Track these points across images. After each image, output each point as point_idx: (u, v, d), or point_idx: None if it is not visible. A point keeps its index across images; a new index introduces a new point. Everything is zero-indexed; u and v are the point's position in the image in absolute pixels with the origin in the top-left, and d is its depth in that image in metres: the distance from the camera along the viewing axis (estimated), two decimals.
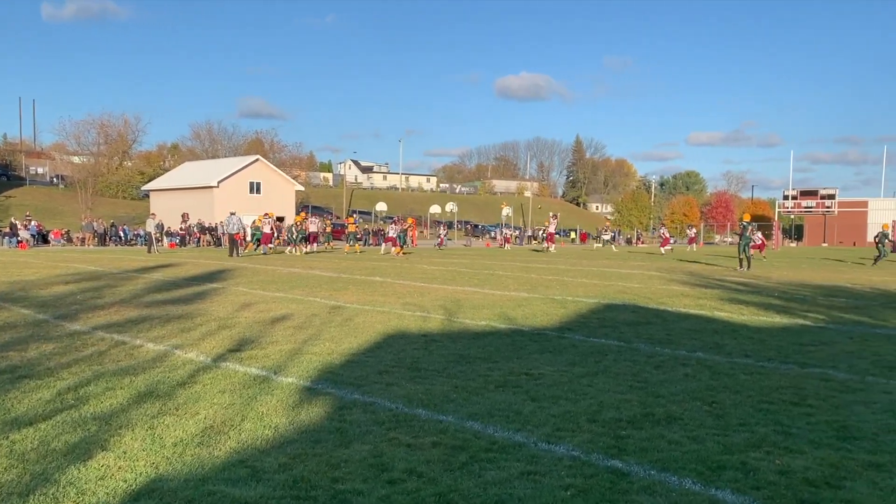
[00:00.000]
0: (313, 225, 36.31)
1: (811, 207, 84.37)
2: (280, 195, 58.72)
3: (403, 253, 33.93)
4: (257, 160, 59.01)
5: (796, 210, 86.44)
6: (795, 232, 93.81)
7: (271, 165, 61.35)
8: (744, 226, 25.34)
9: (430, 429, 5.15)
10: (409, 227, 37.37)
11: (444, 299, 13.35)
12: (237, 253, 29.55)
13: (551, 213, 46.15)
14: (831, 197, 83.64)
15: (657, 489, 4.06)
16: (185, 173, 62.81)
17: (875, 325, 10.86)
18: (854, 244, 78.06)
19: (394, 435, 4.99)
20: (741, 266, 24.16)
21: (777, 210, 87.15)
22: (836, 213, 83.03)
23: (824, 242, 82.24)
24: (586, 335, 9.51)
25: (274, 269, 20.98)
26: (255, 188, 57.29)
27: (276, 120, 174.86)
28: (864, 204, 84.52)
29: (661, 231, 44.70)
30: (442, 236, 51.10)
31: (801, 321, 11.13)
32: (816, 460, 4.59)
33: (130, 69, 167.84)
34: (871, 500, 3.96)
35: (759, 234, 36.98)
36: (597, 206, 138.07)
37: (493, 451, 4.69)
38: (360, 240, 38.77)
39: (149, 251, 32.65)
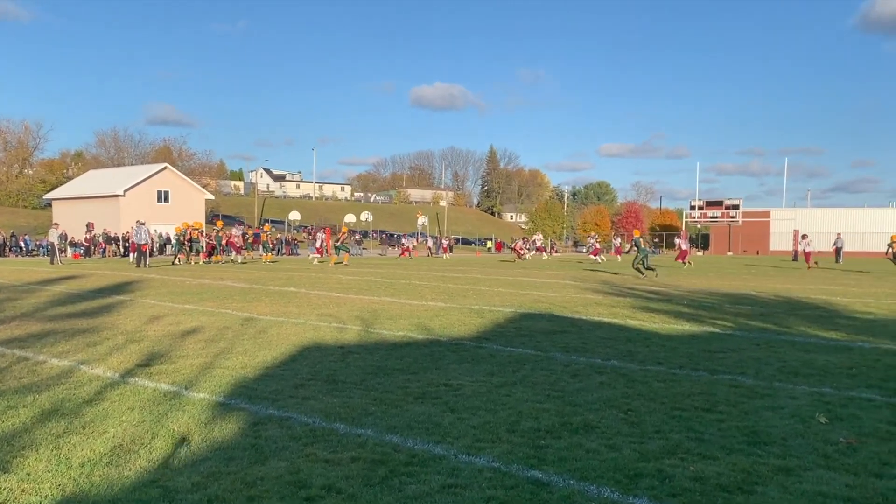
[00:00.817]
0: (236, 235, 35.61)
1: (717, 217, 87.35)
2: (189, 204, 57.29)
3: (335, 263, 33.79)
4: (165, 168, 57.49)
5: (702, 220, 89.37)
6: (702, 241, 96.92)
7: (180, 174, 59.86)
8: (635, 241, 26.54)
9: (348, 443, 5.05)
10: (344, 234, 36.46)
11: (361, 310, 13.23)
12: (145, 263, 28.77)
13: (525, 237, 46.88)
14: (735, 207, 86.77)
15: (577, 499, 4.08)
16: (90, 182, 60.65)
17: (780, 331, 11.26)
18: (757, 252, 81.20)
19: (311, 450, 4.87)
20: (643, 275, 25.19)
21: (684, 220, 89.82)
22: (740, 222, 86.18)
23: (729, 251, 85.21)
24: (503, 345, 9.55)
25: (183, 281, 20.42)
26: (163, 197, 55.74)
27: (186, 127, 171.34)
28: (767, 214, 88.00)
29: (592, 241, 46.37)
30: (444, 245, 53.06)
31: (709, 328, 11.46)
32: (729, 466, 4.70)
33: (31, 74, 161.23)
34: (780, 503, 4.07)
35: (686, 242, 37.96)
36: (511, 216, 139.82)
37: (414, 464, 4.63)
38: (272, 249, 37.85)
39: (52, 262, 31.41)
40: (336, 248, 34.46)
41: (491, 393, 6.72)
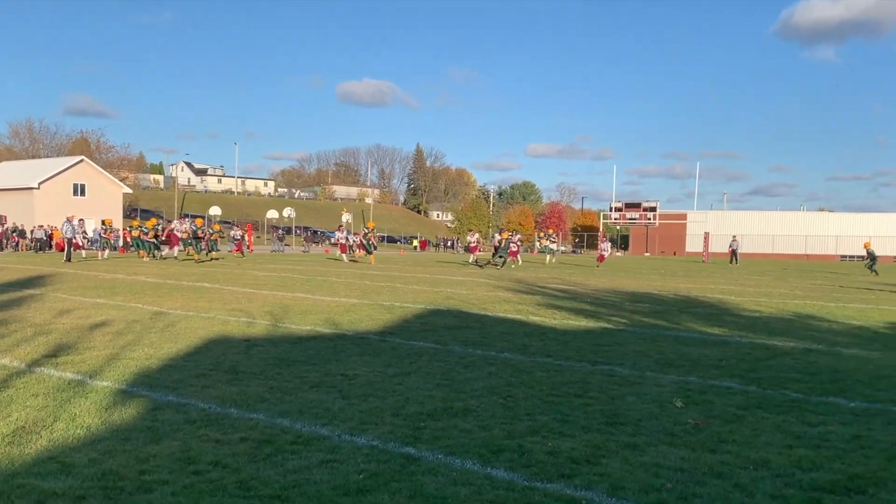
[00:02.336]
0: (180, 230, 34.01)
1: (635, 219, 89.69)
2: (106, 198, 56.18)
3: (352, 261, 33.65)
4: (82, 161, 56.23)
5: (621, 221, 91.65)
6: (622, 242, 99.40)
7: (97, 167, 58.60)
8: (507, 239, 31.98)
9: (240, 426, 5.44)
10: (370, 232, 34.29)
11: (273, 305, 13.52)
12: (68, 258, 28.60)
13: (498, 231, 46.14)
14: (653, 209, 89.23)
15: (441, 470, 4.56)
16: (3, 174, 58.80)
17: (668, 327, 12.03)
18: (674, 253, 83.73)
19: (204, 432, 5.24)
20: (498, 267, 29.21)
21: (601, 221, 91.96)
22: (657, 224, 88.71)
23: (647, 252, 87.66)
24: (406, 339, 10.01)
25: (97, 276, 20.28)
26: (79, 190, 54.53)
27: (107, 119, 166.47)
28: (684, 216, 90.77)
29: (542, 242, 47.30)
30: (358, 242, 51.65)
31: (604, 324, 12.15)
32: (583, 442, 5.26)
33: None
34: (619, 472, 4.63)
35: (607, 244, 39.54)
36: (437, 214, 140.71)
37: (298, 443, 5.04)
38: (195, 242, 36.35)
39: None
40: (365, 246, 33.33)
41: (384, 382, 7.17)
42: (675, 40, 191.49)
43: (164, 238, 33.42)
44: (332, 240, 61.02)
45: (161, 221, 33.47)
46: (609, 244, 37.34)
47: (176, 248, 32.47)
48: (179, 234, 32.30)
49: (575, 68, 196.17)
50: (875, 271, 33.18)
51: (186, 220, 35.77)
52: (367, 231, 34.15)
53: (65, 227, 30.71)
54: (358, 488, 4.21)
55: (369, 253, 33.56)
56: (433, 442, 5.16)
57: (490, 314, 13.16)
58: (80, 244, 32.54)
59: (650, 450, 5.15)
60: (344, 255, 36.01)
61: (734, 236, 50.74)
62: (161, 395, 6.32)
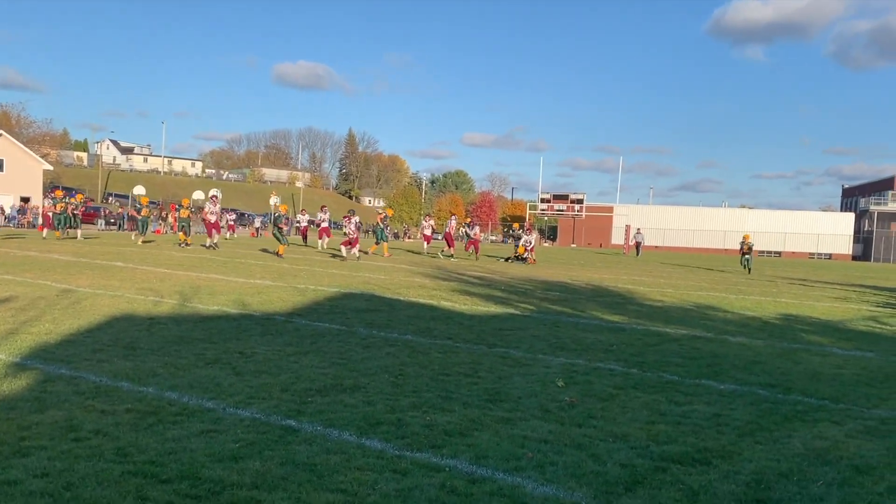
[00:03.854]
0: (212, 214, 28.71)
1: (562, 210, 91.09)
2: (25, 174, 54.52)
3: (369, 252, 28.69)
4: (0, 135, 54.33)
5: (549, 212, 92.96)
6: (550, 233, 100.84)
7: (16, 142, 56.76)
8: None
9: (127, 398, 5.57)
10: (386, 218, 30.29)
11: (184, 285, 13.51)
12: None
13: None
14: (580, 201, 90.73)
15: (317, 440, 4.80)
16: None
17: (571, 314, 12.47)
18: (601, 245, 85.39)
19: (91, 403, 5.36)
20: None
21: (528, 211, 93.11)
22: (583, 216, 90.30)
23: (573, 243, 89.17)
24: (313, 320, 10.19)
25: (7, 252, 19.83)
26: None
27: (30, 92, 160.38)
28: (610, 209, 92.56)
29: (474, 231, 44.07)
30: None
31: (511, 311, 12.53)
32: (460, 417, 5.55)
33: None
34: (487, 444, 4.94)
35: (532, 235, 34.27)
36: (370, 200, 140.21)
37: (182, 415, 5.21)
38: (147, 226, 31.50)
39: None
40: (376, 233, 29.21)
41: (281, 360, 7.35)
42: (612, 35, 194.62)
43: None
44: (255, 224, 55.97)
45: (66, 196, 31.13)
46: (533, 236, 34.66)
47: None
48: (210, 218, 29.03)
49: (513, 59, 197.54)
50: (748, 267, 30.53)
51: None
52: (385, 217, 30.72)
53: None
54: (232, 456, 4.42)
55: (378, 241, 29.66)
56: (315, 415, 5.38)
57: (402, 299, 13.41)
58: None
59: (522, 424, 5.47)
60: (353, 248, 26.37)
61: (638, 229, 52.12)
62: (54, 369, 6.39)
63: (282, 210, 27.59)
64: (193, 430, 4.84)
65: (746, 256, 30.75)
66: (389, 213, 30.70)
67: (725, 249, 78.91)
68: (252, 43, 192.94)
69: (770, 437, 5.47)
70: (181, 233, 29.32)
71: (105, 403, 5.38)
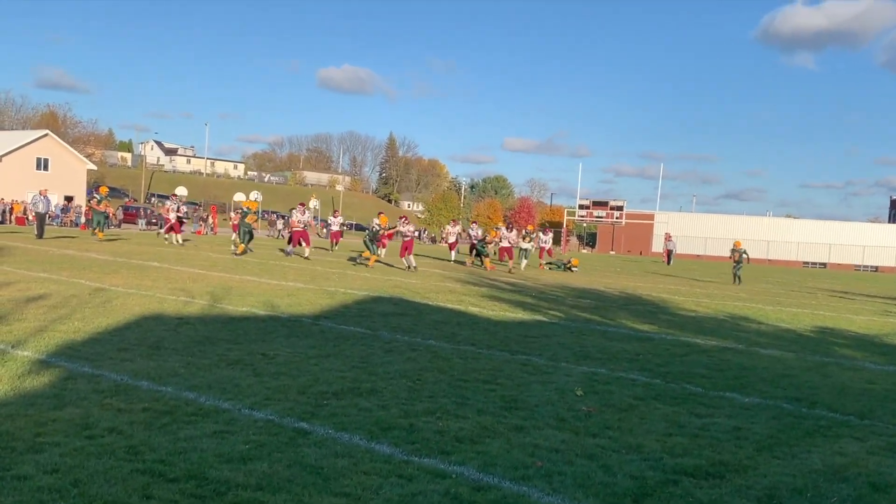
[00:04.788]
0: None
1: (601, 217, 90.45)
2: (70, 173, 55.69)
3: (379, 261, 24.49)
4: (46, 135, 55.63)
5: (588, 219, 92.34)
6: (589, 239, 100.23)
7: (62, 142, 57.98)
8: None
9: (145, 397, 5.64)
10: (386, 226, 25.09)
11: (216, 286, 13.67)
12: (41, 234, 26.42)
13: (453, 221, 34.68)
14: (620, 208, 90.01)
15: (327, 443, 4.81)
16: None
17: (601, 322, 12.37)
18: (640, 253, 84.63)
19: (108, 401, 5.44)
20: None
21: (565, 217, 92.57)
22: (623, 223, 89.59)
23: (612, 251, 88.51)
24: (339, 323, 10.24)
25: (47, 251, 20.24)
26: (42, 164, 53.96)
27: (78, 93, 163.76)
28: (651, 216, 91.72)
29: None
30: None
31: (539, 318, 12.46)
32: (473, 424, 5.53)
33: None
34: (497, 451, 4.91)
35: (546, 239, 32.29)
36: (408, 204, 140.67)
37: (197, 415, 5.26)
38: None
39: None
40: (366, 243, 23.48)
41: (302, 362, 7.40)
42: (657, 40, 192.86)
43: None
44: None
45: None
46: (550, 237, 32.18)
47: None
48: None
49: (556, 64, 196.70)
50: (738, 276, 27.84)
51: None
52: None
53: (37, 202, 27.80)
54: (241, 457, 4.45)
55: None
56: (328, 418, 5.40)
57: (430, 303, 13.42)
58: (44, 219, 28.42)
59: (535, 432, 5.43)
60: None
61: (668, 235, 51.33)
62: (77, 366, 6.50)
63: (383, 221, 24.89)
64: (206, 431, 4.89)
65: (738, 265, 27.88)
66: (384, 221, 24.29)
67: (769, 260, 77.75)
68: (298, 46, 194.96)
69: (789, 451, 5.36)
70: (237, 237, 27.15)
71: (122, 402, 5.46)
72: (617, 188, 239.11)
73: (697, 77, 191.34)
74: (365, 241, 23.69)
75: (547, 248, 32.13)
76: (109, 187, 37.16)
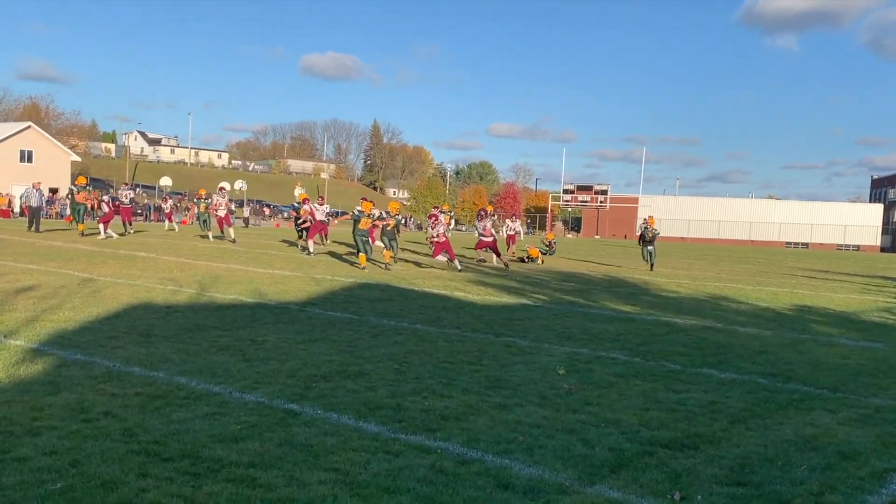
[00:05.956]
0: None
1: (586, 201, 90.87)
2: (54, 165, 55.29)
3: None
4: (29, 127, 55.23)
5: (573, 203, 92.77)
6: (574, 224, 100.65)
7: (45, 133, 57.57)
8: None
9: (138, 382, 5.79)
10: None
11: (204, 275, 13.78)
12: (37, 227, 25.60)
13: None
14: (604, 192, 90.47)
15: (316, 423, 4.99)
16: None
17: (584, 304, 12.58)
18: (625, 237, 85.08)
19: (102, 387, 5.59)
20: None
21: (550, 202, 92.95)
22: (608, 207, 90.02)
23: (597, 235, 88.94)
24: (326, 309, 10.40)
25: (34, 242, 20.25)
26: (25, 157, 53.60)
27: (61, 84, 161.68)
28: (636, 200, 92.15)
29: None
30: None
31: (524, 301, 12.66)
32: (458, 402, 5.72)
33: None
34: (481, 428, 5.09)
35: (515, 225, 29.30)
36: (394, 192, 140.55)
37: (189, 398, 5.42)
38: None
39: None
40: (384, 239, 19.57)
41: (290, 347, 7.56)
42: (642, 25, 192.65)
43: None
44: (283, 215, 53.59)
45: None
46: (518, 223, 29.00)
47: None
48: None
49: (541, 49, 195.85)
50: (651, 262, 22.80)
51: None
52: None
53: (30, 195, 27.21)
54: (233, 437, 4.61)
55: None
56: (317, 400, 5.58)
57: (417, 289, 13.59)
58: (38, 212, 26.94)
59: (518, 409, 5.62)
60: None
61: (644, 219, 51.60)
62: (70, 354, 6.64)
63: (300, 199, 24.23)
64: (198, 413, 5.05)
65: (649, 248, 22.75)
66: (367, 207, 19.25)
67: (752, 241, 78.36)
68: (281, 34, 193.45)
69: (762, 424, 5.57)
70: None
71: (116, 387, 5.61)
72: (602, 172, 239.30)
73: (681, 60, 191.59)
74: (356, 239, 18.52)
75: (512, 235, 28.19)
76: (93, 178, 36.66)
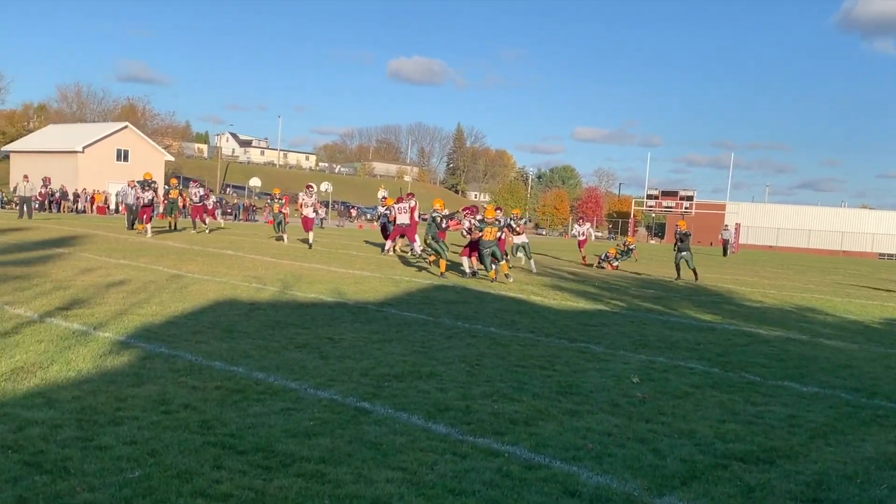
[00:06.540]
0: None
1: (671, 207, 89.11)
2: (149, 164, 57.21)
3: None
4: (126, 127, 57.51)
5: (657, 209, 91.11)
6: (658, 230, 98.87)
7: (141, 133, 59.86)
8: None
9: (218, 376, 5.99)
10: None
11: (287, 274, 14.11)
12: (132, 225, 24.97)
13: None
14: (690, 198, 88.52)
15: (387, 422, 5.06)
16: (50, 136, 60.32)
17: (663, 312, 12.37)
18: (711, 244, 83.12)
19: (184, 380, 5.80)
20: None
21: (633, 207, 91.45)
22: (693, 213, 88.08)
23: None
24: (402, 310, 10.51)
25: (126, 239, 21.08)
26: (122, 156, 55.84)
27: (157, 85, 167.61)
28: (722, 206, 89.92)
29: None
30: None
31: (601, 307, 12.53)
32: (528, 407, 5.71)
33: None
34: (549, 433, 5.08)
35: (586, 229, 26.55)
36: (475, 195, 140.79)
37: (266, 393, 5.58)
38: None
39: (20, 216, 30.47)
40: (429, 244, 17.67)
41: (366, 346, 7.68)
42: (731, 27, 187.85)
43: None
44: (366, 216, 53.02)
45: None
46: (587, 226, 26.36)
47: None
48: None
49: (628, 52, 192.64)
50: (692, 268, 20.10)
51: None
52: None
53: (127, 193, 26.19)
54: (306, 432, 4.73)
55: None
56: (389, 399, 5.66)
57: (492, 292, 13.60)
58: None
59: (588, 416, 5.59)
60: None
61: (726, 225, 50.11)
62: (155, 347, 6.90)
63: (387, 203, 23.02)
64: (274, 408, 5.19)
65: (682, 255, 19.98)
66: (517, 212, 19.99)
67: (843, 251, 75.49)
68: (371, 38, 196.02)
69: (843, 440, 5.39)
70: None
71: (197, 380, 5.81)
72: (689, 178, 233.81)
73: (772, 64, 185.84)
74: (429, 242, 17.62)
75: (583, 240, 26.04)
76: (185, 178, 37.38)
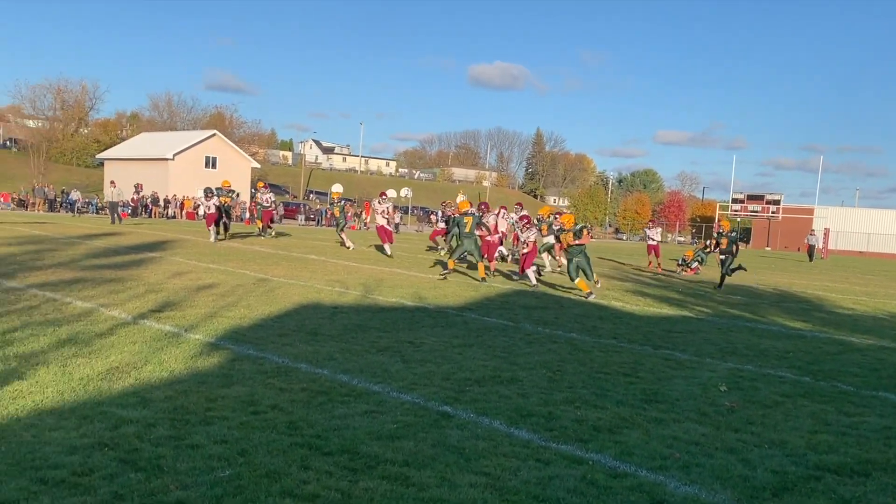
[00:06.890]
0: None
1: (757, 212, 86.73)
2: (236, 171, 58.94)
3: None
4: (214, 135, 59.31)
5: (742, 213, 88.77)
6: (743, 234, 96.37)
7: (228, 141, 61.64)
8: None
9: (304, 378, 6.11)
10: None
11: (368, 278, 14.29)
12: (218, 236, 23.28)
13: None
14: (776, 202, 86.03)
15: (469, 426, 5.08)
16: (142, 144, 62.77)
17: (750, 319, 12.04)
18: (798, 249, 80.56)
19: (271, 381, 5.94)
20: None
21: (718, 211, 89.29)
22: (780, 218, 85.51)
23: (767, 247, 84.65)
24: (482, 314, 10.52)
25: (214, 244, 21.69)
26: (210, 163, 57.62)
27: (244, 94, 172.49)
28: (810, 211, 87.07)
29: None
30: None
31: (685, 313, 12.28)
32: (612, 414, 5.64)
33: (91, 35, 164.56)
34: (635, 441, 5.01)
35: (655, 234, 24.62)
36: (554, 200, 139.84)
37: (350, 396, 5.66)
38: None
39: (112, 221, 31.81)
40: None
41: (446, 351, 7.72)
42: (820, 27, 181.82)
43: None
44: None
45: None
46: (657, 231, 24.64)
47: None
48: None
49: (712, 54, 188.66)
50: (733, 271, 18.06)
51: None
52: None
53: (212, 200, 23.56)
54: (389, 435, 4.78)
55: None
56: (470, 403, 5.67)
57: (572, 297, 13.48)
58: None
59: (675, 425, 5.48)
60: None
61: (812, 230, 48.21)
62: (243, 349, 7.09)
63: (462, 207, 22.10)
64: (358, 410, 5.27)
65: (723, 258, 17.94)
66: (569, 220, 16.36)
67: None
68: (451, 45, 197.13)
69: None
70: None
71: (284, 382, 5.94)
72: (775, 182, 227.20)
73: (861, 65, 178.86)
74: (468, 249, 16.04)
75: (654, 246, 24.36)
76: (270, 184, 38.23)
